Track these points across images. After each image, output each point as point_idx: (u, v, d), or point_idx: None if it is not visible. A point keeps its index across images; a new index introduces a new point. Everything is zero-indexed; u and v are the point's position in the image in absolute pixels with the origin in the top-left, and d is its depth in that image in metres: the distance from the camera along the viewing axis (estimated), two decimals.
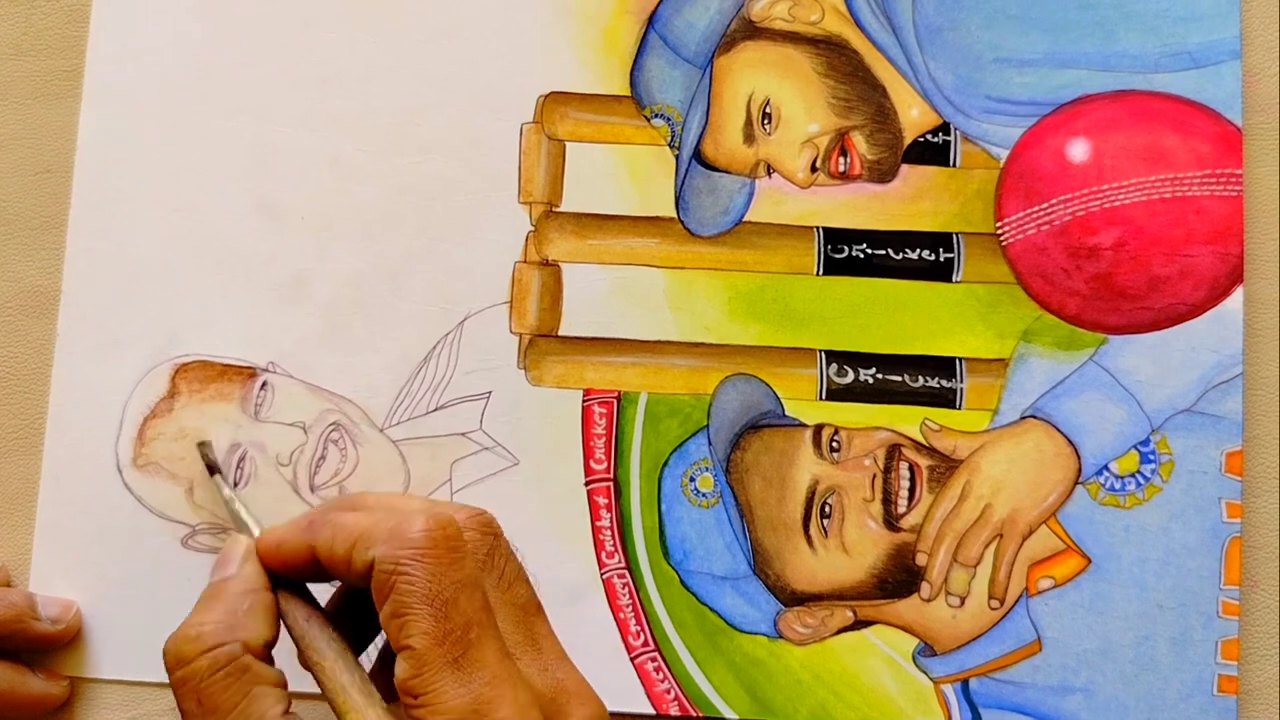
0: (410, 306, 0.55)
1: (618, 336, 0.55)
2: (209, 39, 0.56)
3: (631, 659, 0.53)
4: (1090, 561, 0.53)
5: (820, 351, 0.54)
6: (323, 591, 0.46)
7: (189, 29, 0.56)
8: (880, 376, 0.54)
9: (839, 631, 0.53)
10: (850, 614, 0.53)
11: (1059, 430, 0.53)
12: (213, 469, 0.52)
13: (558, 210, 0.55)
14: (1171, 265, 0.54)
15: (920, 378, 0.54)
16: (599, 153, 0.55)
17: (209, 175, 0.55)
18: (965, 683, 0.53)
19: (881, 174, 0.55)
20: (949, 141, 0.55)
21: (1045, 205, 0.54)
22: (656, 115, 0.56)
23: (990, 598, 0.53)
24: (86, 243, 0.55)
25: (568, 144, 0.55)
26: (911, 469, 0.54)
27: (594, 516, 0.54)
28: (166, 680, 0.52)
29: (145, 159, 0.55)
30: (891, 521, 0.53)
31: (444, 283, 0.55)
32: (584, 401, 0.54)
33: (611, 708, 0.52)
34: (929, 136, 0.55)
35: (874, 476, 0.54)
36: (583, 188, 0.55)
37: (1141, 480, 0.53)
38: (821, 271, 0.55)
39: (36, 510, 0.54)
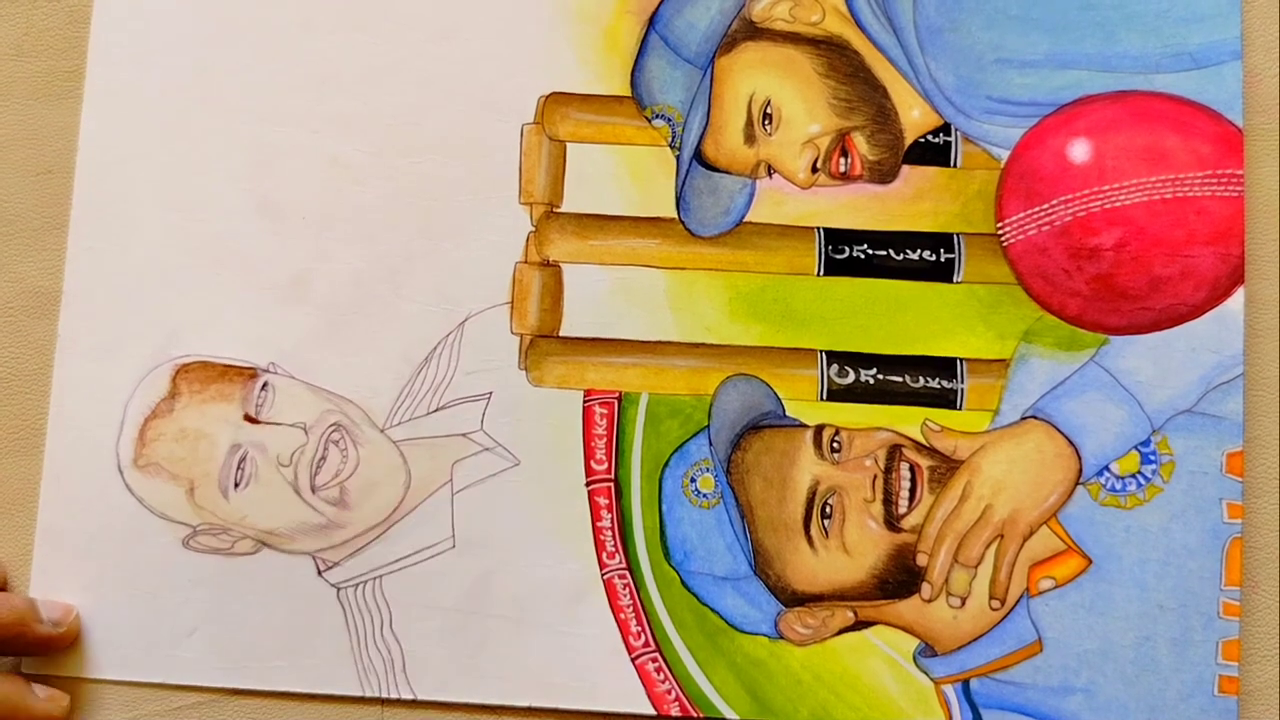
0: (411, 307, 0.55)
1: (618, 337, 0.55)
2: (209, 39, 0.56)
3: (632, 659, 0.53)
4: (1091, 562, 0.53)
5: (821, 352, 0.54)
6: None
7: (189, 30, 0.56)
8: (881, 377, 0.54)
9: (840, 632, 0.53)
10: (851, 614, 0.53)
11: (1060, 431, 0.53)
12: None
13: (558, 211, 0.55)
14: (1172, 266, 0.54)
15: (921, 378, 0.54)
16: (600, 153, 0.55)
17: (209, 175, 0.55)
18: (966, 683, 0.53)
19: (882, 174, 0.55)
20: (950, 142, 0.55)
21: (1046, 206, 0.54)
22: (657, 116, 0.56)
23: (991, 598, 0.53)
24: (87, 243, 0.55)
25: (569, 144, 0.55)
26: (912, 469, 0.54)
27: (595, 517, 0.54)
28: (167, 681, 0.53)
29: (146, 159, 0.55)
30: (892, 522, 0.53)
31: (445, 283, 0.55)
32: (585, 402, 0.54)
33: (612, 708, 0.53)
34: (930, 137, 0.55)
35: (875, 477, 0.54)
36: (584, 188, 0.55)
37: (1142, 481, 0.53)
38: (822, 272, 0.55)
39: (37, 510, 0.54)
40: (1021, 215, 0.55)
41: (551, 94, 0.56)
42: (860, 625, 0.53)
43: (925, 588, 0.53)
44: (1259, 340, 0.54)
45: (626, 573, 0.53)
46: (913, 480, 0.54)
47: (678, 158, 0.55)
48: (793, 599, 0.53)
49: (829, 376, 0.54)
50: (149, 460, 0.54)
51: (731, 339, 0.55)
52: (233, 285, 0.55)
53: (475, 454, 0.54)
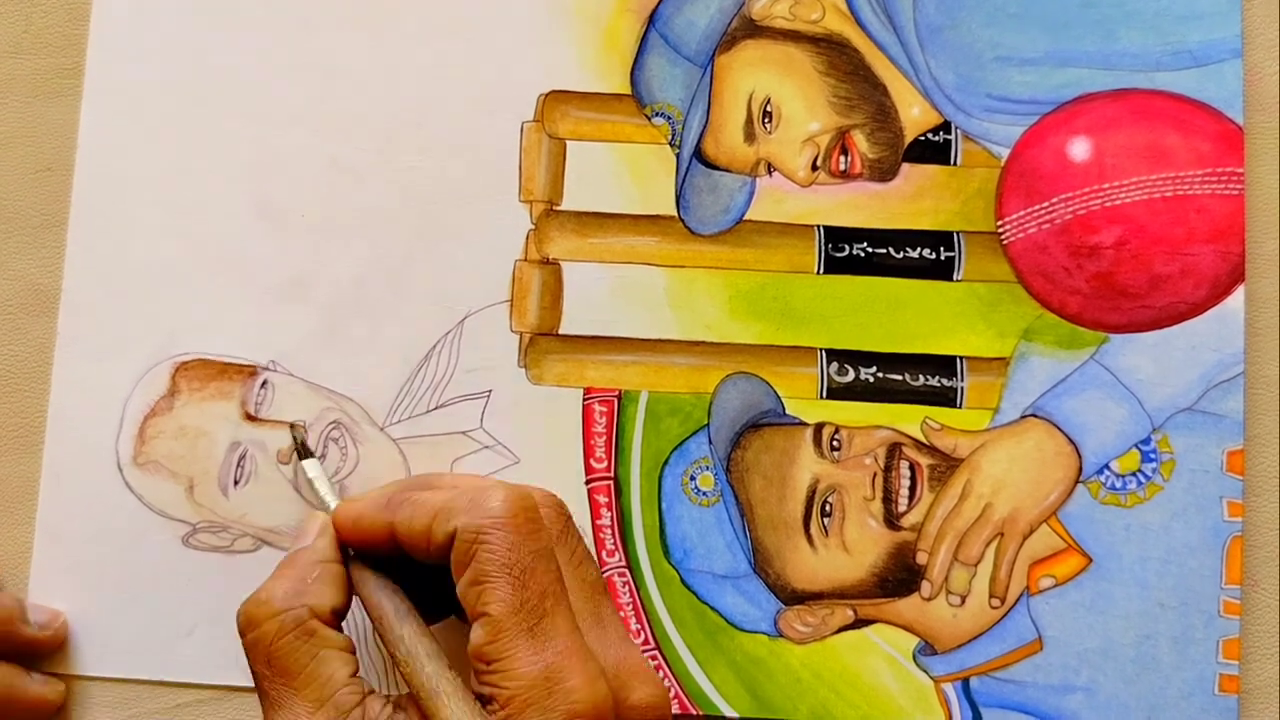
0: (410, 305, 0.55)
1: (618, 335, 0.55)
2: (209, 39, 0.56)
3: None
4: (1091, 560, 0.53)
5: (821, 350, 0.54)
6: None
7: (189, 28, 0.56)
8: (881, 375, 0.54)
9: (839, 630, 0.53)
10: (851, 613, 0.53)
11: (1060, 429, 0.53)
12: (304, 453, 0.52)
13: (558, 209, 0.55)
14: (1173, 264, 0.54)
15: (921, 376, 0.54)
16: (600, 151, 0.55)
17: (209, 175, 0.55)
18: (966, 681, 0.53)
19: (882, 172, 0.55)
20: (950, 140, 0.55)
21: (1046, 204, 0.54)
22: (657, 114, 0.56)
23: (991, 596, 0.53)
24: (87, 241, 0.55)
25: (568, 143, 0.55)
26: (912, 468, 0.54)
27: (594, 515, 0.54)
28: (165, 679, 0.53)
29: (145, 158, 0.55)
30: (892, 520, 0.53)
31: (444, 282, 0.55)
32: (584, 400, 0.54)
33: None
34: (930, 135, 0.55)
35: (875, 475, 0.54)
36: (583, 186, 0.55)
37: (1142, 479, 0.53)
38: (822, 270, 0.55)
39: (36, 509, 0.54)
40: (1021, 213, 0.55)
41: (551, 92, 0.56)
42: (860, 623, 0.53)
43: (925, 586, 0.53)
44: (1259, 338, 0.54)
45: (626, 571, 0.53)
46: (912, 478, 0.54)
47: (677, 156, 0.55)
48: (792, 597, 0.53)
49: (829, 374, 0.54)
50: (148, 458, 0.54)
51: (731, 337, 0.55)
52: (233, 284, 0.55)
53: (475, 452, 0.54)
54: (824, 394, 0.54)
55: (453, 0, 0.56)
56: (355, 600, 0.46)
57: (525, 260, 0.55)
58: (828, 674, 0.53)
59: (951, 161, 0.55)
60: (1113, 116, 0.55)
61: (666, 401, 0.54)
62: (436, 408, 0.54)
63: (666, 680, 0.53)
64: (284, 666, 0.43)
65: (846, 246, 0.55)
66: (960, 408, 0.54)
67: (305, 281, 0.55)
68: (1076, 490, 0.53)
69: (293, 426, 0.53)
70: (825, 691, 0.52)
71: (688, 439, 0.54)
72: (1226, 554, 0.52)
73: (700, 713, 0.53)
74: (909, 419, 0.54)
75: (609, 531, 0.53)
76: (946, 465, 0.54)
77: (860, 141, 0.55)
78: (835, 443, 0.54)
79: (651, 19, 0.56)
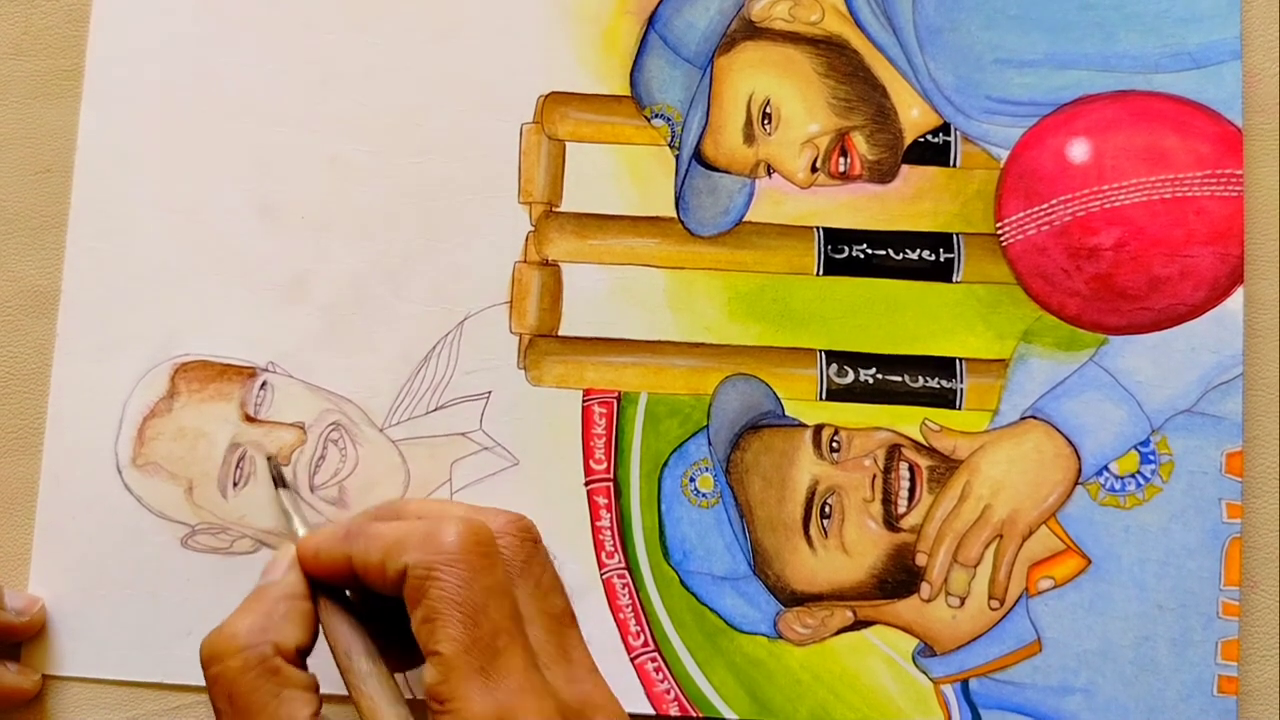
0: (410, 306, 0.55)
1: (618, 336, 0.55)
2: (209, 39, 0.56)
3: (631, 659, 0.53)
4: (1090, 562, 0.53)
5: (820, 352, 0.54)
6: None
7: (189, 29, 0.56)
8: (880, 377, 0.54)
9: (839, 632, 0.53)
10: (850, 614, 0.53)
11: (1059, 431, 0.53)
12: (279, 482, 0.52)
13: (558, 210, 0.55)
14: (1172, 266, 0.54)
15: (920, 378, 0.54)
16: (599, 153, 0.55)
17: (209, 175, 0.55)
18: (965, 683, 0.53)
19: (882, 174, 0.55)
20: (949, 142, 0.55)
21: (1045, 205, 0.54)
22: (656, 115, 0.56)
23: (990, 598, 0.53)
24: (86, 242, 0.55)
25: (568, 144, 0.55)
26: (911, 469, 0.54)
27: (594, 517, 0.54)
28: (165, 680, 0.53)
29: (145, 159, 0.55)
30: (891, 522, 0.53)
31: (444, 283, 0.55)
32: (584, 401, 0.54)
33: None
34: (929, 137, 0.55)
35: (874, 477, 0.54)
36: (583, 188, 0.55)
37: (1141, 481, 0.53)
38: (821, 272, 0.55)
39: (36, 510, 0.54)
40: (1021, 215, 0.55)
41: (551, 93, 0.56)
42: (859, 625, 0.53)
43: (924, 587, 0.53)
44: (1258, 340, 0.54)
45: (625, 572, 0.53)
46: (912, 480, 0.54)
47: (677, 157, 0.55)
48: (792, 599, 0.53)
49: (828, 376, 0.54)
50: (147, 459, 0.54)
51: (731, 339, 0.55)
52: (232, 285, 0.55)
53: (474, 453, 0.54)
54: (823, 395, 0.54)
55: (453, 1, 0.56)
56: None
57: (525, 262, 0.55)
58: (827, 675, 0.53)
59: (951, 163, 0.55)
60: (1112, 118, 0.55)
61: (666, 403, 0.54)
62: (436, 409, 0.54)
63: (666, 682, 0.53)
64: (245, 705, 0.42)
65: (846, 248, 0.55)
66: (959, 409, 0.54)
67: (305, 282, 0.55)
68: (1075, 492, 0.53)
69: (269, 458, 0.53)
70: (824, 693, 0.52)
71: (687, 440, 0.54)
72: (1225, 555, 0.52)
73: (700, 714, 0.53)
74: (908, 420, 0.54)
75: (608, 533, 0.53)
76: (946, 467, 0.54)
77: (860, 143, 0.55)
78: (835, 444, 0.54)
79: (651, 20, 0.56)
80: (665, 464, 0.54)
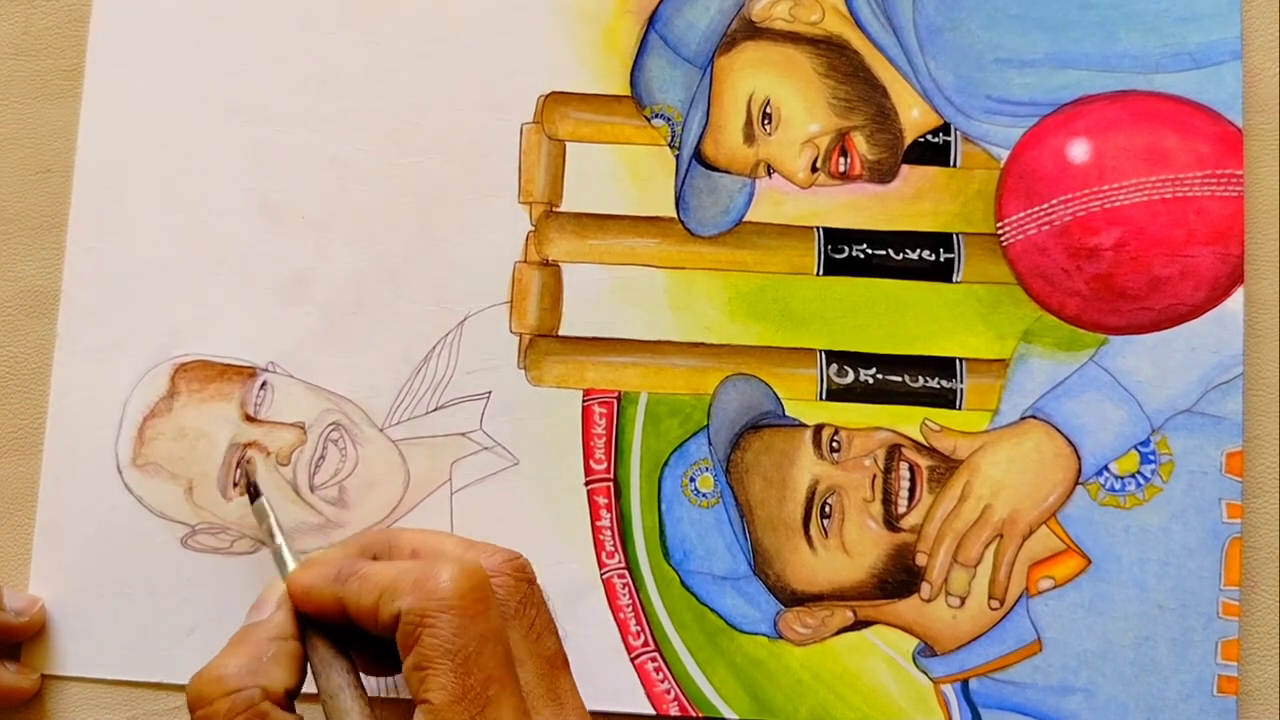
0: (410, 306, 0.55)
1: (618, 336, 0.55)
2: (209, 39, 0.56)
3: (631, 659, 0.53)
4: (1090, 562, 0.53)
5: (820, 352, 0.54)
6: None
7: (189, 29, 0.56)
8: (880, 377, 0.54)
9: (839, 632, 0.53)
10: (850, 614, 0.53)
11: (1059, 431, 0.53)
12: (254, 494, 0.51)
13: (558, 210, 0.55)
14: (1172, 266, 0.54)
15: (920, 378, 0.54)
16: (599, 153, 0.55)
17: (209, 175, 0.55)
18: (965, 683, 0.53)
19: (882, 174, 0.55)
20: (949, 142, 0.55)
21: (1046, 205, 0.54)
22: (657, 115, 0.56)
23: (990, 598, 0.53)
24: (86, 242, 0.55)
25: (568, 144, 0.55)
26: (912, 469, 0.54)
27: (594, 516, 0.54)
28: (165, 680, 0.53)
29: (145, 159, 0.55)
30: (892, 522, 0.53)
31: (444, 283, 0.55)
32: (584, 401, 0.54)
33: (611, 708, 0.53)
34: (929, 137, 0.55)
35: (874, 477, 0.54)
36: (583, 188, 0.55)
37: (1141, 481, 0.53)
38: (822, 272, 0.55)
39: (36, 510, 0.54)
40: (1021, 215, 0.55)
41: (551, 93, 0.56)
42: (860, 625, 0.53)
43: (924, 587, 0.53)
44: (1258, 340, 0.54)
45: (626, 572, 0.53)
46: (912, 480, 0.54)
47: (677, 157, 0.55)
48: (792, 599, 0.53)
49: (828, 376, 0.54)
50: (148, 459, 0.54)
51: (731, 338, 0.55)
52: (232, 284, 0.55)
53: (474, 453, 0.54)
54: (823, 395, 0.54)
55: (453, 2, 0.56)
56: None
57: (525, 262, 0.55)
58: (827, 675, 0.53)
59: (951, 163, 0.55)
60: (1112, 118, 0.55)
61: (666, 403, 0.54)
62: (436, 409, 0.54)
63: (666, 682, 0.53)
64: None
65: (846, 248, 0.55)
66: (960, 409, 0.54)
67: (305, 281, 0.55)
68: (1076, 492, 0.53)
69: (246, 461, 0.53)
70: (825, 693, 0.52)
71: (687, 440, 0.54)
72: (1225, 555, 0.52)
73: (700, 714, 0.53)
74: (908, 420, 0.54)
75: (608, 533, 0.53)
76: (946, 467, 0.54)
77: (860, 143, 0.55)
78: (835, 444, 0.54)
79: (651, 20, 0.56)
80: (665, 464, 0.54)
